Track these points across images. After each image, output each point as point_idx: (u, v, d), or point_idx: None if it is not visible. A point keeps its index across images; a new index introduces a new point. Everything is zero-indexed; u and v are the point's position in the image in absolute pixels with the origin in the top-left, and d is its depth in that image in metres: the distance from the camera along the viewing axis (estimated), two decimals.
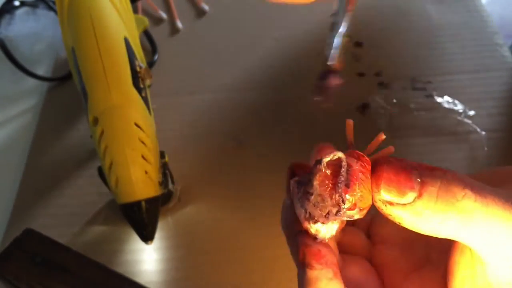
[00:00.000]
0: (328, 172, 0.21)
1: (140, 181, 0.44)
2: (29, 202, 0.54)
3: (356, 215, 0.21)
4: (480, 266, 0.21)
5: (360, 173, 0.20)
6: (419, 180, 0.19)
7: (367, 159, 0.21)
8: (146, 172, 0.44)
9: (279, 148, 0.58)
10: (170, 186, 0.51)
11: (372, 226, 0.28)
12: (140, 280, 0.44)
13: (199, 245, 0.51)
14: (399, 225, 0.27)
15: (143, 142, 0.45)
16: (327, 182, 0.21)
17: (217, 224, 0.52)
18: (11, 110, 0.65)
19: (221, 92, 0.64)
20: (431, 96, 0.61)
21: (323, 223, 0.21)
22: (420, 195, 0.19)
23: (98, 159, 0.46)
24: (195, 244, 0.51)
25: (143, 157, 0.44)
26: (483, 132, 0.57)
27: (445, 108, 0.59)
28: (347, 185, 0.20)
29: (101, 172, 0.47)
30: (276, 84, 0.64)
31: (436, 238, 0.26)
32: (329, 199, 0.21)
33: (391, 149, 0.22)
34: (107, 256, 0.49)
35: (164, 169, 0.48)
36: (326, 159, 0.21)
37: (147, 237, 0.46)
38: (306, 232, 0.22)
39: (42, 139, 0.60)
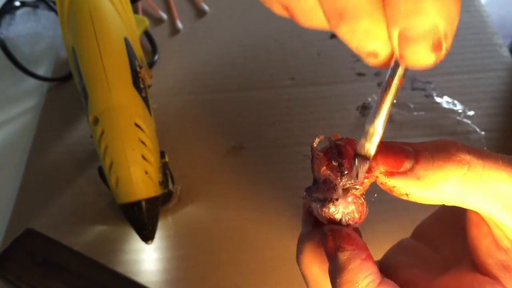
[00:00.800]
0: (321, 154, 0.22)
1: (140, 181, 0.44)
2: (29, 202, 0.55)
3: (361, 175, 0.21)
4: (497, 228, 0.21)
5: (347, 145, 0.22)
6: (412, 150, 0.20)
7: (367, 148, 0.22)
8: (146, 172, 0.44)
9: (279, 148, 0.58)
10: (170, 186, 0.51)
11: (383, 265, 0.28)
12: (140, 280, 0.44)
13: (199, 245, 0.51)
14: (410, 251, 0.27)
15: (143, 142, 0.45)
16: (323, 162, 0.22)
17: (217, 224, 0.52)
18: (11, 110, 0.65)
19: (221, 92, 0.64)
20: (430, 96, 0.61)
21: (336, 199, 0.22)
22: (417, 161, 0.20)
23: (98, 159, 0.46)
24: (195, 244, 0.51)
25: (143, 157, 0.44)
26: (483, 132, 0.57)
27: (444, 108, 0.59)
28: (340, 153, 0.21)
29: (101, 172, 0.47)
30: (276, 84, 0.64)
31: (450, 251, 0.26)
32: (330, 174, 0.22)
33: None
34: (107, 256, 0.49)
35: (164, 169, 0.48)
36: (314, 144, 0.22)
37: (147, 237, 0.46)
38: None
39: (42, 139, 0.60)
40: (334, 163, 0.22)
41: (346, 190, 0.22)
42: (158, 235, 0.49)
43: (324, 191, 0.22)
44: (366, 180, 0.21)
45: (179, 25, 0.72)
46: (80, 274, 0.42)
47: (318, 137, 0.22)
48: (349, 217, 0.22)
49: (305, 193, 0.23)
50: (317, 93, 0.63)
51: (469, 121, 0.58)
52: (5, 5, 0.65)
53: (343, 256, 0.21)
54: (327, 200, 0.22)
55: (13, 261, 0.43)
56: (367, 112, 0.60)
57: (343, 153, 0.22)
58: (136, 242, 0.50)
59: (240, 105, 0.62)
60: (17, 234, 0.45)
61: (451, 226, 0.26)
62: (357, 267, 0.21)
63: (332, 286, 0.21)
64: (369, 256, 0.21)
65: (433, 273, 0.25)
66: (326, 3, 0.17)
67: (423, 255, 0.27)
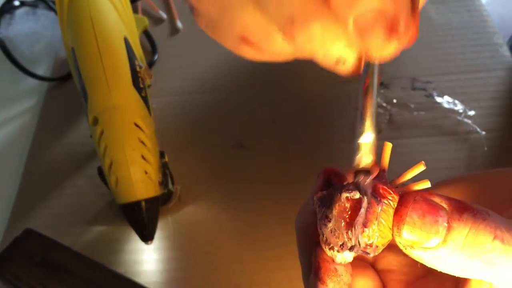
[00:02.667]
0: (348, 205, 0.20)
1: (140, 181, 0.44)
2: (29, 202, 0.54)
3: (371, 253, 0.20)
4: None
5: (381, 213, 0.19)
6: (445, 224, 0.18)
7: (394, 195, 0.20)
8: (146, 172, 0.44)
9: (279, 148, 0.58)
10: (170, 186, 0.51)
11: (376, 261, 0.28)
12: (140, 280, 0.44)
13: (199, 245, 0.51)
14: (404, 260, 0.26)
15: (143, 142, 0.45)
16: (345, 215, 0.20)
17: (217, 224, 0.52)
18: (11, 110, 0.65)
19: (221, 92, 0.64)
20: (431, 96, 0.61)
21: (338, 251, 0.21)
22: (445, 241, 0.18)
23: (98, 159, 0.46)
24: (195, 244, 0.51)
25: (143, 157, 0.44)
26: (483, 132, 0.57)
27: (445, 108, 0.59)
28: (365, 225, 0.19)
29: (101, 172, 0.47)
30: (276, 84, 0.64)
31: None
32: (345, 233, 0.20)
33: (389, 145, 0.21)
34: (107, 256, 0.49)
35: (164, 169, 0.48)
36: (345, 195, 0.20)
37: (147, 237, 0.46)
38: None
39: (42, 139, 0.60)
40: (351, 233, 0.20)
41: (352, 249, 0.20)
42: (158, 235, 0.48)
43: (332, 231, 0.20)
44: (379, 248, 0.20)
45: (179, 25, 0.72)
46: (80, 274, 0.42)
47: (358, 189, 0.20)
48: (343, 262, 0.21)
49: (316, 199, 0.22)
50: (317, 93, 0.63)
51: (469, 121, 0.58)
52: (4, 4, 0.65)
53: (320, 285, 0.21)
54: (330, 244, 0.21)
55: (12, 261, 0.42)
56: None
57: (368, 222, 0.19)
58: (135, 242, 0.50)
59: (240, 105, 0.62)
60: (17, 234, 0.45)
61: None
62: None
63: None
64: None
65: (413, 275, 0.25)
66: (275, 17, 0.17)
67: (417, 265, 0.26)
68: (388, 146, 0.21)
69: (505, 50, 0.66)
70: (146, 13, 0.74)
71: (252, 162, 0.56)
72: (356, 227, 0.19)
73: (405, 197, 0.19)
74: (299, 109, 0.61)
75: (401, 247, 0.19)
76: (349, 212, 0.20)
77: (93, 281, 0.42)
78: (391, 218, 0.19)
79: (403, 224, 0.18)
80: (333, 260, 0.21)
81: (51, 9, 0.67)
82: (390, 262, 0.26)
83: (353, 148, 0.21)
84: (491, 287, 0.19)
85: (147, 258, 0.50)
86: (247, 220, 0.52)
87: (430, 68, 0.63)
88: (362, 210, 0.19)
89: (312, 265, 0.22)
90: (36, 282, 0.41)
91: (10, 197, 0.55)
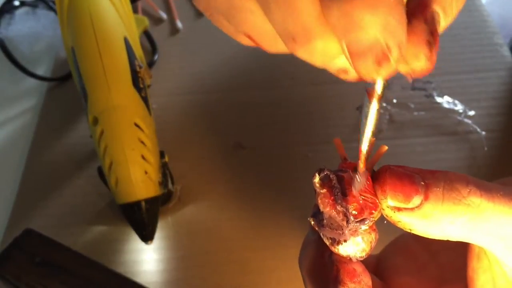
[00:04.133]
0: (324, 191, 0.21)
1: (140, 181, 0.44)
2: (29, 202, 0.54)
3: (368, 219, 0.21)
4: (498, 266, 0.21)
5: (355, 179, 0.20)
6: (422, 183, 0.20)
7: (363, 167, 0.21)
8: (146, 172, 0.44)
9: (279, 148, 0.58)
10: (170, 186, 0.51)
11: (380, 263, 0.28)
12: (140, 280, 0.44)
13: (199, 245, 0.51)
14: (408, 254, 0.27)
15: (143, 142, 0.45)
16: (327, 201, 0.21)
17: (217, 224, 0.52)
18: (11, 110, 0.65)
19: (221, 92, 0.64)
20: (431, 96, 0.61)
21: (345, 241, 0.21)
22: (426, 197, 0.19)
23: (98, 159, 0.46)
24: (195, 244, 0.51)
25: (143, 157, 0.44)
26: (483, 132, 0.57)
27: (445, 108, 0.59)
28: (344, 194, 0.20)
29: (101, 172, 0.47)
30: (276, 84, 0.64)
31: (447, 258, 0.26)
32: (336, 215, 0.21)
33: (384, 148, 0.22)
34: (107, 256, 0.49)
35: (164, 169, 0.48)
36: (315, 180, 0.21)
37: (147, 237, 0.46)
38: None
39: (42, 139, 0.60)
40: (339, 208, 0.21)
41: (354, 229, 0.21)
42: (157, 235, 0.48)
43: (331, 228, 0.21)
44: (374, 214, 0.21)
45: (179, 25, 0.72)
46: (79, 274, 0.42)
47: (319, 173, 0.21)
48: (359, 253, 0.22)
49: (313, 221, 0.22)
50: (317, 93, 0.63)
51: (469, 121, 0.58)
52: (4, 4, 0.65)
53: None
54: (335, 240, 0.21)
55: (12, 261, 0.42)
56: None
57: (346, 190, 0.21)
58: (135, 242, 0.50)
59: (240, 105, 0.62)
60: (17, 234, 0.44)
61: None
62: None
63: None
64: None
65: (428, 285, 0.25)
66: (279, 29, 0.17)
67: (420, 259, 0.26)
68: (383, 149, 0.22)
69: (505, 50, 0.66)
70: (146, 13, 0.74)
71: (252, 162, 0.56)
72: (337, 197, 0.20)
73: (381, 168, 0.21)
74: (299, 109, 0.61)
75: (389, 213, 0.20)
76: (329, 196, 0.21)
77: (93, 281, 0.42)
78: (370, 185, 0.21)
79: (386, 188, 0.20)
80: (350, 260, 0.22)
81: (51, 9, 0.67)
82: (401, 285, 0.26)
83: (354, 148, 0.21)
84: (489, 258, 0.21)
85: (147, 258, 0.50)
86: (247, 220, 0.52)
87: None
88: (334, 182, 0.21)
89: (331, 273, 0.22)
90: (36, 282, 0.41)
91: (10, 197, 0.55)
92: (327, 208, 0.21)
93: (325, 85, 0.63)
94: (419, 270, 0.26)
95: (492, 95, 0.61)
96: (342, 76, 0.19)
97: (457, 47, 0.66)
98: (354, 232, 0.21)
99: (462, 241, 0.21)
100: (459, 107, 0.59)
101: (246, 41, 0.20)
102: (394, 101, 0.60)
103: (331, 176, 0.21)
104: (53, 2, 0.67)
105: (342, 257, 0.22)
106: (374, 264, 0.28)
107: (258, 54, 0.68)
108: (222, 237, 0.51)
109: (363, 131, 0.20)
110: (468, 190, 0.19)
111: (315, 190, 0.21)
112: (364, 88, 0.19)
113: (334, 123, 0.59)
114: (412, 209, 0.19)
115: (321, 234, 0.22)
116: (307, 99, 0.62)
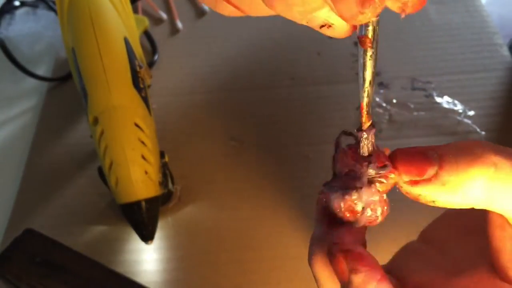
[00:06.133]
0: (346, 148, 0.22)
1: (140, 181, 0.44)
2: (29, 202, 0.54)
3: (388, 165, 0.21)
4: None
5: (362, 136, 0.21)
6: (436, 155, 0.20)
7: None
8: (146, 172, 0.44)
9: (279, 148, 0.58)
10: (170, 186, 0.51)
11: (392, 272, 0.27)
12: (140, 280, 0.44)
13: (199, 245, 0.51)
14: (418, 256, 0.26)
15: (143, 142, 0.45)
16: (348, 155, 0.22)
17: (217, 224, 0.52)
18: (11, 110, 0.65)
19: (221, 92, 0.64)
20: (431, 96, 0.61)
21: (360, 188, 0.21)
22: (441, 167, 0.19)
23: (98, 159, 0.46)
24: (195, 244, 0.51)
25: (143, 157, 0.44)
26: (483, 132, 0.57)
27: (445, 108, 0.59)
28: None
29: (101, 172, 0.47)
30: (276, 84, 0.64)
31: (458, 252, 0.25)
32: (356, 164, 0.21)
33: (386, 150, 0.22)
34: (107, 256, 0.49)
35: (164, 169, 0.48)
36: (339, 139, 0.22)
37: (147, 237, 0.46)
38: (347, 224, 0.22)
39: (42, 139, 0.60)
40: (363, 155, 0.21)
41: (370, 183, 0.21)
42: (158, 235, 0.48)
43: (347, 181, 0.21)
44: (392, 176, 0.21)
45: (179, 25, 0.72)
46: (80, 274, 0.42)
47: (345, 132, 0.22)
48: (371, 212, 0.21)
49: (323, 187, 0.22)
50: (317, 93, 0.63)
51: (469, 121, 0.58)
52: (4, 5, 0.65)
53: (357, 278, 0.20)
54: (349, 188, 0.21)
55: (12, 261, 0.42)
56: None
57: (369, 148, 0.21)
58: (136, 242, 0.50)
59: (240, 105, 0.62)
60: (17, 234, 0.44)
61: (460, 229, 0.25)
62: None
63: None
64: (384, 276, 0.20)
65: (447, 277, 0.24)
66: None
67: (433, 259, 0.26)
68: (385, 151, 0.22)
69: (505, 50, 0.66)
70: (146, 13, 0.74)
71: (252, 162, 0.56)
72: (360, 153, 0.21)
73: (393, 150, 0.21)
74: (299, 109, 0.61)
75: (408, 189, 0.20)
76: (353, 150, 0.22)
77: (93, 281, 0.42)
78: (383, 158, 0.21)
79: (399, 165, 0.20)
80: (359, 222, 0.21)
81: (51, 9, 0.67)
82: (417, 279, 0.25)
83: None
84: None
85: (147, 258, 0.50)
86: (247, 220, 0.52)
87: (430, 68, 0.63)
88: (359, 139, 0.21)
89: (336, 269, 0.21)
90: (36, 282, 0.41)
91: (10, 197, 0.55)
92: (347, 160, 0.21)
93: (325, 85, 0.63)
94: (435, 268, 0.26)
95: (491, 95, 0.61)
96: (327, 32, 0.18)
97: (457, 47, 0.66)
98: (370, 184, 0.21)
99: (482, 215, 0.20)
100: (459, 107, 0.59)
101: (227, 10, 0.19)
102: (394, 101, 0.60)
103: (354, 133, 0.21)
104: (53, 2, 0.67)
105: (345, 243, 0.21)
106: (386, 273, 0.28)
107: (258, 54, 0.68)
108: (222, 237, 0.51)
109: (361, 84, 0.20)
110: (481, 149, 0.19)
111: (336, 149, 0.22)
112: (355, 39, 0.19)
113: (334, 123, 0.59)
114: (429, 179, 0.20)
115: (331, 196, 0.21)
116: (307, 99, 0.62)
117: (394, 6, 0.17)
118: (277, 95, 0.63)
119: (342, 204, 0.21)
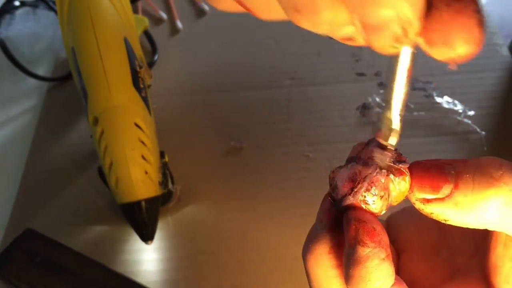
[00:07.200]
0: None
1: (140, 181, 0.44)
2: (29, 202, 0.54)
3: (407, 162, 0.20)
4: None
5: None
6: (453, 172, 0.19)
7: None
8: (146, 172, 0.44)
9: (279, 148, 0.58)
10: (170, 186, 0.51)
11: (390, 229, 0.27)
12: (140, 280, 0.44)
13: (199, 245, 0.51)
14: (421, 225, 0.25)
15: (143, 142, 0.45)
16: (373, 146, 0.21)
17: (217, 224, 0.52)
18: (11, 110, 0.65)
19: (221, 92, 0.64)
20: (431, 96, 0.61)
21: (379, 173, 0.20)
22: (456, 186, 0.19)
23: (98, 159, 0.46)
24: (195, 244, 0.51)
25: (143, 157, 0.44)
26: (483, 132, 0.57)
27: (445, 108, 0.59)
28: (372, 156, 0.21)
29: (101, 172, 0.47)
30: (276, 84, 0.64)
31: (458, 241, 0.24)
32: (379, 148, 0.21)
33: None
34: (107, 256, 0.49)
35: (164, 169, 0.48)
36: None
37: (147, 237, 0.46)
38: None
39: (42, 139, 0.60)
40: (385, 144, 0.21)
41: (381, 169, 0.20)
42: (158, 235, 0.48)
43: (358, 162, 0.21)
44: (406, 178, 0.20)
45: (179, 25, 0.72)
46: (80, 274, 0.42)
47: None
48: (379, 205, 0.20)
49: (334, 170, 0.21)
50: (317, 93, 0.63)
51: (469, 121, 0.58)
52: (4, 5, 0.65)
53: (362, 251, 0.19)
54: (359, 165, 0.20)
55: (12, 261, 0.42)
56: (367, 112, 0.60)
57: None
58: (136, 242, 0.50)
59: (240, 105, 0.62)
60: (17, 234, 0.44)
61: None
62: (374, 266, 0.19)
63: (344, 271, 0.20)
64: (389, 256, 0.20)
65: (440, 272, 0.24)
66: None
67: (432, 236, 0.25)
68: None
69: (504, 50, 0.66)
70: (146, 13, 0.74)
71: (252, 162, 0.56)
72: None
73: (411, 163, 0.20)
74: (299, 109, 0.61)
75: (420, 206, 0.20)
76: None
77: (93, 281, 0.42)
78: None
79: (412, 180, 0.20)
80: (369, 216, 0.20)
81: (51, 9, 0.67)
82: (413, 271, 0.25)
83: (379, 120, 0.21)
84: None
85: (147, 258, 0.50)
86: (247, 220, 0.52)
87: (430, 68, 0.63)
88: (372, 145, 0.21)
89: (346, 234, 0.20)
90: (36, 282, 0.41)
91: (10, 197, 0.55)
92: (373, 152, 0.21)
93: (325, 85, 0.63)
94: (432, 253, 0.25)
95: (492, 95, 0.61)
96: (347, 43, 0.17)
97: None
98: (385, 168, 0.20)
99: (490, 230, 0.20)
100: (459, 107, 0.59)
101: (233, 7, 0.18)
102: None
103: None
104: (53, 2, 0.67)
105: (361, 212, 0.20)
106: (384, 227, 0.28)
107: (258, 54, 0.68)
108: (222, 237, 0.51)
109: (390, 91, 0.19)
110: (501, 173, 0.19)
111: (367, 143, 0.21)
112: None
113: (334, 123, 0.59)
114: (442, 199, 0.19)
115: (344, 174, 0.21)
116: (307, 99, 0.62)
117: (444, 56, 0.17)
118: (277, 95, 0.63)
119: (347, 176, 0.21)
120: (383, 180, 0.20)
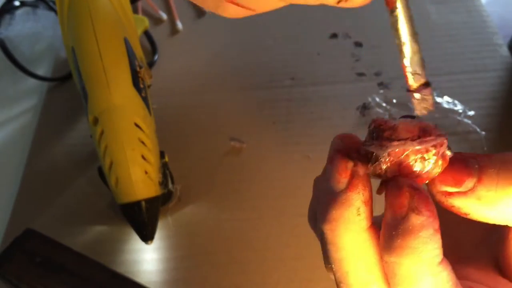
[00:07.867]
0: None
1: (140, 181, 0.44)
2: (29, 202, 0.54)
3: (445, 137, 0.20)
4: None
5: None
6: (477, 166, 0.19)
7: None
8: (146, 172, 0.44)
9: (279, 148, 0.58)
10: (170, 186, 0.51)
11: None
12: (140, 280, 0.44)
13: (199, 245, 0.51)
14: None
15: (143, 142, 0.45)
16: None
17: (217, 224, 0.52)
18: (11, 110, 0.65)
19: (221, 92, 0.64)
20: None
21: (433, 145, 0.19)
22: (480, 180, 0.19)
23: (98, 159, 0.46)
24: (195, 244, 0.51)
25: (143, 157, 0.44)
26: (483, 132, 0.57)
27: (445, 108, 0.59)
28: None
29: (101, 172, 0.47)
30: (276, 84, 0.64)
31: (460, 233, 0.24)
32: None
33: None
34: (107, 256, 0.49)
35: (164, 169, 0.48)
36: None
37: (147, 237, 0.46)
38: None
39: (42, 139, 0.60)
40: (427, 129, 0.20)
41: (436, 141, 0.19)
42: (158, 235, 0.48)
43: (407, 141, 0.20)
44: (432, 150, 0.19)
45: (179, 25, 0.72)
46: (80, 274, 0.42)
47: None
48: (428, 166, 0.19)
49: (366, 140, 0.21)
50: (317, 93, 0.63)
51: (469, 121, 0.58)
52: (4, 5, 0.65)
53: (416, 220, 0.18)
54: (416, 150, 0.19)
55: (12, 261, 0.42)
56: (367, 112, 0.60)
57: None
58: (136, 242, 0.50)
59: (240, 105, 0.62)
60: (17, 234, 0.44)
61: None
62: (429, 236, 0.18)
63: (385, 243, 0.19)
64: (439, 230, 0.19)
65: (454, 254, 0.24)
66: None
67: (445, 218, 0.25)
68: None
69: (504, 50, 0.66)
70: (146, 13, 0.74)
71: (252, 162, 0.56)
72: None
73: None
74: (299, 109, 0.61)
75: (442, 199, 0.19)
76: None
77: (93, 281, 0.42)
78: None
79: (438, 176, 0.19)
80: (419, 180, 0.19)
81: (51, 9, 0.67)
82: None
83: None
84: None
85: (147, 258, 0.50)
86: (247, 220, 0.52)
87: (430, 68, 0.63)
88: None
89: (393, 200, 0.19)
90: (36, 282, 0.41)
91: (10, 197, 0.55)
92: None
93: (325, 85, 0.63)
94: (447, 232, 0.25)
95: (491, 95, 0.61)
96: (345, 5, 0.17)
97: (457, 47, 0.66)
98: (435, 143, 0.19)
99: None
100: (459, 107, 0.59)
101: (229, 11, 0.18)
102: (394, 101, 0.60)
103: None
104: (53, 2, 0.67)
105: (413, 181, 0.19)
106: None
107: (258, 54, 0.68)
108: (222, 237, 0.51)
109: (401, 43, 0.19)
110: None
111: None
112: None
113: (334, 123, 0.59)
114: (465, 193, 0.19)
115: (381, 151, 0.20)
116: (307, 99, 0.62)
117: None
118: (277, 95, 0.63)
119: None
120: (448, 153, 0.19)
